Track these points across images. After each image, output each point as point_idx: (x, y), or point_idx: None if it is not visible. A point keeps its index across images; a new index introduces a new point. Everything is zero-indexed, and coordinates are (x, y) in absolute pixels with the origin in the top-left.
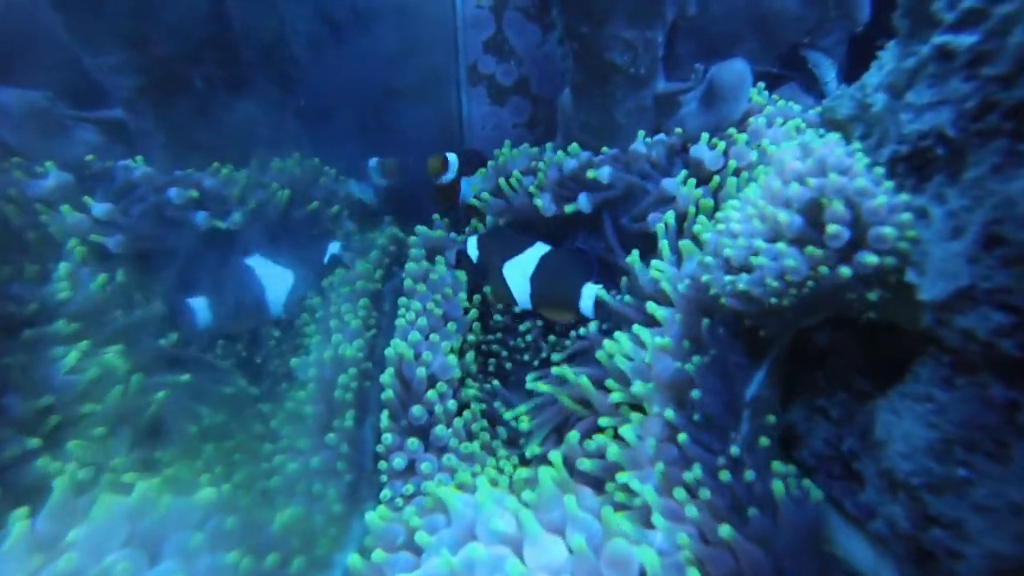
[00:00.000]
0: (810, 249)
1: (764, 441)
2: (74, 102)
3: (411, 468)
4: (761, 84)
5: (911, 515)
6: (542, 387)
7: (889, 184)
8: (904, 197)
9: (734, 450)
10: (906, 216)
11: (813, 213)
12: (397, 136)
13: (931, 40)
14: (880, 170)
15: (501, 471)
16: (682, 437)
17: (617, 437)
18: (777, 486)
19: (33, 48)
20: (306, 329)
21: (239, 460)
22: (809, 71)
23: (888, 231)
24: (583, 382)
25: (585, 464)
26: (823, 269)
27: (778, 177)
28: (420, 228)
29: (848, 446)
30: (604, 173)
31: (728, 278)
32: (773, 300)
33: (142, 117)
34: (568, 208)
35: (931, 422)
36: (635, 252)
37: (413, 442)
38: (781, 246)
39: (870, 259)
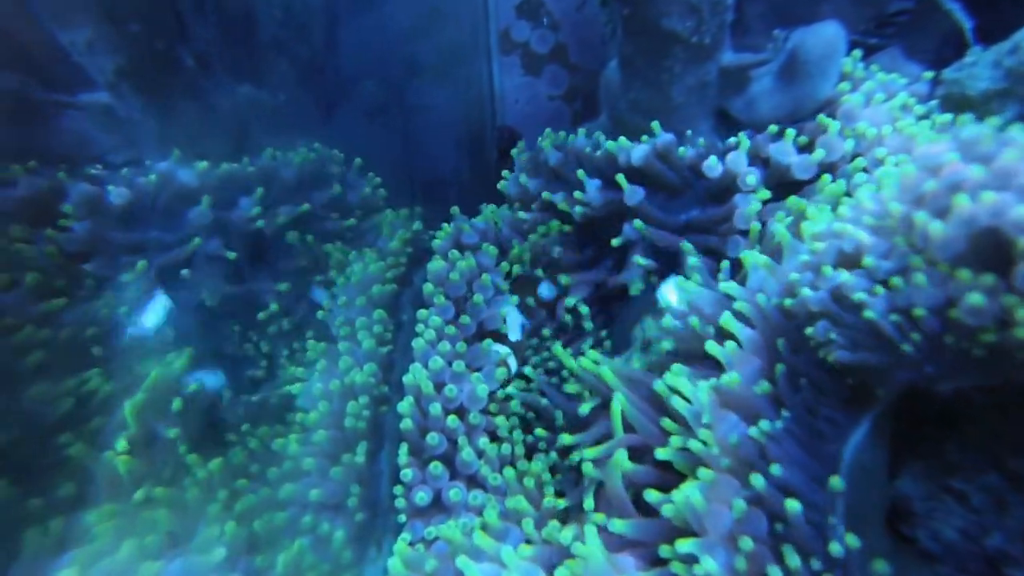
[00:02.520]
0: (1009, 299)
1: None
2: (54, 86)
3: (435, 505)
4: (856, 52)
5: None
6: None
7: None
8: None
9: (836, 547)
10: None
11: (982, 243)
12: (422, 115)
13: None
14: None
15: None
16: (793, 507)
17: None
18: None
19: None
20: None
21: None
22: (916, 31)
23: None
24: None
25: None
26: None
27: (928, 174)
28: (457, 218)
29: (996, 544)
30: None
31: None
32: (908, 348)
33: (128, 102)
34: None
35: None
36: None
37: (436, 466)
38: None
39: None
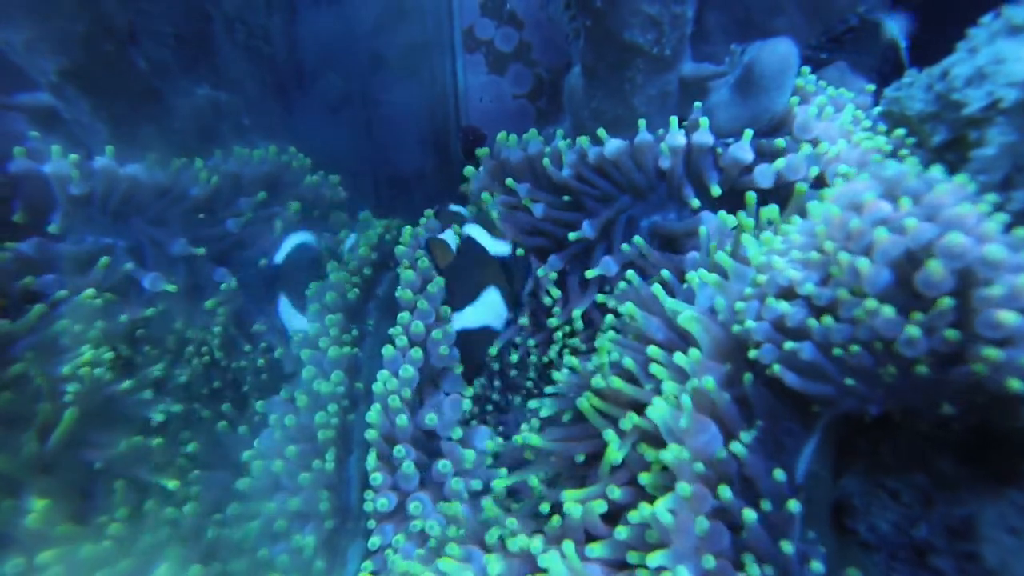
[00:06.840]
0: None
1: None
2: None
3: (401, 509)
4: (806, 68)
5: None
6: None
7: None
8: None
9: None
10: None
11: (907, 272)
12: (386, 112)
13: None
14: None
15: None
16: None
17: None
18: None
19: None
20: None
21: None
22: (859, 47)
23: None
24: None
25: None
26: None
27: (852, 211)
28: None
29: (923, 535)
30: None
31: (791, 345)
32: (849, 381)
33: (75, 106)
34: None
35: None
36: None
37: (408, 466)
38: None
39: (992, 353)
